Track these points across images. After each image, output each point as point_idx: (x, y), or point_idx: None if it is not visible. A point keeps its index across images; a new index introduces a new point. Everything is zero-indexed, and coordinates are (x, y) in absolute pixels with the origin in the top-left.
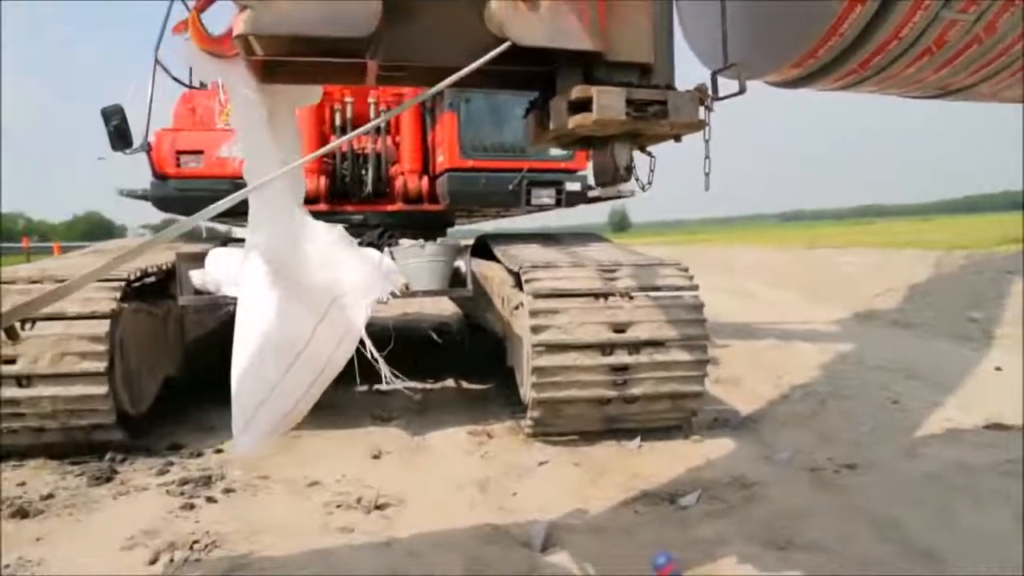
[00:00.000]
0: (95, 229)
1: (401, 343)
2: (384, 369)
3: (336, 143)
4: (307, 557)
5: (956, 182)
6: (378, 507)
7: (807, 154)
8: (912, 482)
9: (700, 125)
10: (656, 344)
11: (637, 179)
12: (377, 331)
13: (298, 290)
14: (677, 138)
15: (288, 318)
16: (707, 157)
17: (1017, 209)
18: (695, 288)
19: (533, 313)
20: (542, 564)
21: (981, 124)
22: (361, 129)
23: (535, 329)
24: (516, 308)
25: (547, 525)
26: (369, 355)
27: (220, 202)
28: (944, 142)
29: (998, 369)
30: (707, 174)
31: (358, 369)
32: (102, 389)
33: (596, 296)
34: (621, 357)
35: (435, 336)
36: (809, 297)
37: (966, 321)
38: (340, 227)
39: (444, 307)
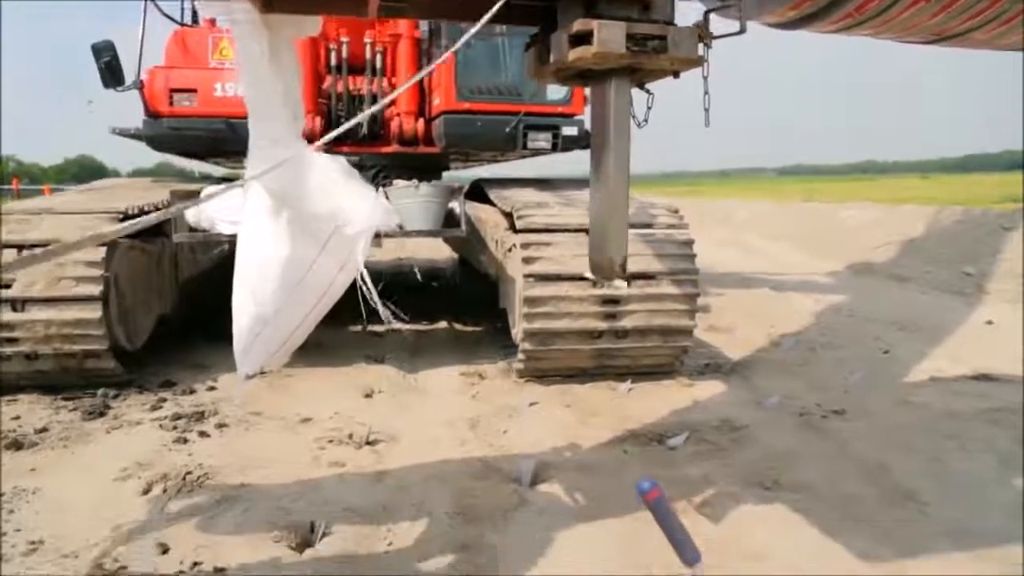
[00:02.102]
0: (87, 172)
1: (395, 287)
2: (380, 308)
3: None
4: (298, 489)
5: (957, 141)
6: (369, 443)
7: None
8: (899, 428)
9: (699, 61)
10: (647, 277)
11: (634, 116)
12: (372, 274)
13: (300, 219)
14: (676, 74)
15: (290, 246)
16: (706, 93)
17: (1017, 169)
18: (685, 227)
19: (525, 245)
20: (531, 498)
21: (982, 83)
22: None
23: (527, 260)
24: (509, 250)
25: (536, 462)
26: (366, 292)
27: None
28: (945, 100)
29: (989, 323)
30: (707, 110)
31: (353, 309)
32: (96, 314)
33: (587, 231)
34: (612, 289)
35: (417, 274)
36: (805, 250)
37: (961, 276)
38: (341, 159)
39: (438, 253)
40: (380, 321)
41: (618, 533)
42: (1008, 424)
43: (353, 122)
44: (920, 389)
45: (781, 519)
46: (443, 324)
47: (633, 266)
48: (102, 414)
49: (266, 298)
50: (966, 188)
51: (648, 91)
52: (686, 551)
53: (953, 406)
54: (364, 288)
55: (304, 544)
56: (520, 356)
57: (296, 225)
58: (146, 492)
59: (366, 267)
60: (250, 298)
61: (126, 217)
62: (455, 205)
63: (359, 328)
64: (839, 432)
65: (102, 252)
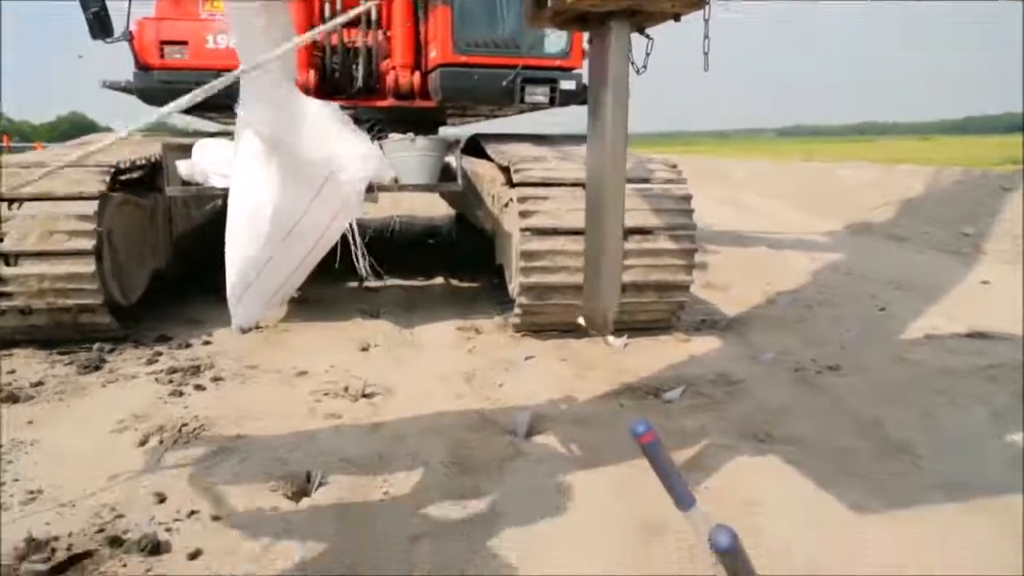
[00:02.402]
0: (77, 130)
1: (392, 243)
2: (361, 262)
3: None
4: (294, 440)
5: (957, 102)
6: (365, 395)
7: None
8: (894, 384)
9: (701, 3)
10: (644, 232)
11: (633, 63)
12: (366, 231)
13: (293, 165)
14: (676, 17)
15: (283, 192)
16: (706, 37)
17: (1017, 131)
18: (683, 182)
19: (522, 199)
20: (526, 449)
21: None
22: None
23: (524, 214)
24: (506, 205)
25: (532, 414)
26: (352, 244)
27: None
28: (945, 62)
29: (985, 283)
30: (706, 54)
31: (349, 265)
32: (89, 268)
33: (584, 185)
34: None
35: (397, 226)
36: (804, 209)
37: (959, 236)
38: (335, 104)
39: (436, 210)
40: (377, 277)
41: (613, 482)
42: (1002, 380)
43: None
44: (915, 346)
45: (775, 470)
46: (439, 280)
47: (630, 221)
48: (98, 368)
49: (259, 246)
50: (965, 150)
51: (648, 36)
52: (681, 495)
53: (948, 363)
54: (351, 240)
55: (301, 493)
56: (516, 311)
57: (288, 172)
58: (142, 443)
59: (362, 223)
60: (242, 247)
61: (117, 171)
62: (451, 159)
63: (355, 284)
64: (833, 387)
65: (94, 206)
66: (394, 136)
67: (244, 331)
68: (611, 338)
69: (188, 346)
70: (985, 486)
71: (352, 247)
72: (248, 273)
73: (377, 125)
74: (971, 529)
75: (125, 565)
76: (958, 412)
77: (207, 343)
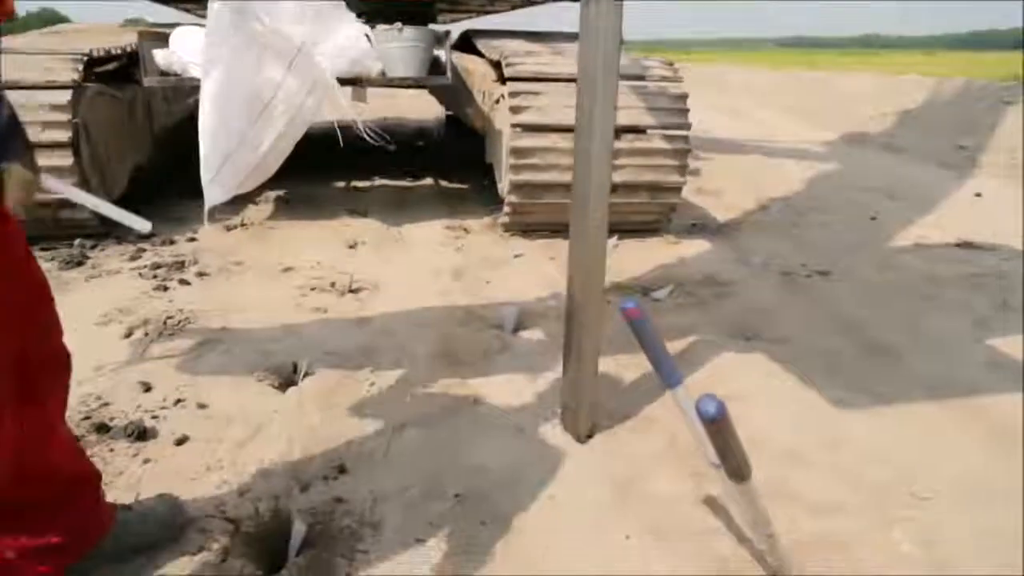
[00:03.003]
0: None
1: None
2: (360, 128)
3: None
4: (280, 333)
5: (962, 17)
6: (352, 291)
7: None
8: (880, 289)
9: None
10: (637, 131)
11: None
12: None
13: (263, 36)
14: None
15: (254, 64)
16: None
17: (1020, 48)
18: (679, 80)
19: (513, 94)
20: (513, 343)
21: None
22: None
23: (514, 110)
24: (497, 102)
25: (519, 309)
26: (345, 109)
27: None
28: None
29: (978, 195)
30: None
31: (337, 163)
32: (67, 161)
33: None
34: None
35: (363, 130)
36: (801, 118)
37: (955, 148)
38: None
39: (426, 113)
40: (365, 178)
41: (600, 375)
42: (987, 288)
43: None
44: (904, 254)
45: (760, 367)
46: (428, 182)
47: (624, 119)
48: (80, 264)
49: (232, 120)
50: (970, 66)
51: None
52: (667, 372)
53: (934, 270)
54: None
55: (286, 384)
56: (506, 209)
57: (259, 42)
58: (128, 336)
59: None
60: (215, 122)
61: (91, 60)
62: (441, 53)
63: (343, 184)
64: (821, 291)
65: (67, 95)
66: (381, 27)
67: (213, 218)
68: None
69: (172, 243)
70: (963, 385)
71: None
72: (223, 149)
73: (363, 17)
74: (947, 424)
75: (112, 450)
76: (942, 317)
77: (192, 240)
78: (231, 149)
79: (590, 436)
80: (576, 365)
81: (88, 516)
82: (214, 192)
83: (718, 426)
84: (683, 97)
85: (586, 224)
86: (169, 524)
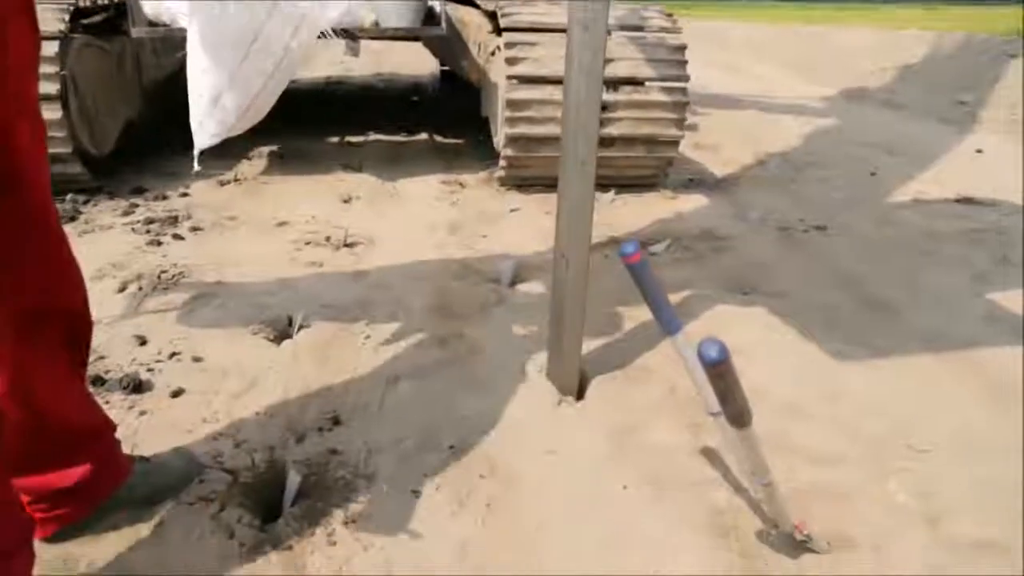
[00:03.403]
0: None
1: (376, 100)
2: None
3: None
4: (275, 286)
5: None
6: (347, 245)
7: None
8: (879, 244)
9: None
10: (635, 83)
11: None
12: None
13: None
14: None
15: (239, 9)
16: None
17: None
18: (679, 31)
19: (509, 45)
20: (509, 296)
21: None
22: None
23: (510, 61)
24: (492, 53)
25: (515, 262)
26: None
27: None
28: None
29: (979, 151)
30: None
31: (327, 123)
32: (55, 115)
33: None
34: None
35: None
36: (799, 73)
37: (956, 104)
38: None
39: (421, 68)
40: (360, 133)
41: (596, 327)
42: (986, 243)
43: None
44: (903, 209)
45: (757, 321)
46: (423, 136)
47: (621, 70)
48: (72, 219)
49: (219, 63)
50: (968, 21)
51: None
52: (667, 320)
53: (933, 226)
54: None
55: (282, 337)
56: (501, 163)
57: None
58: (121, 290)
59: (349, 80)
60: (203, 64)
61: (77, 11)
62: (435, 3)
63: (337, 139)
64: (819, 245)
65: (55, 47)
66: None
67: (203, 162)
68: (597, 193)
69: (165, 198)
70: (960, 338)
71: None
72: (209, 97)
73: None
74: (945, 377)
75: (108, 402)
76: (940, 271)
77: (184, 195)
78: (220, 91)
79: (583, 388)
80: (563, 318)
81: (103, 466)
82: (203, 135)
83: (720, 369)
84: (682, 48)
85: (572, 171)
86: (185, 477)
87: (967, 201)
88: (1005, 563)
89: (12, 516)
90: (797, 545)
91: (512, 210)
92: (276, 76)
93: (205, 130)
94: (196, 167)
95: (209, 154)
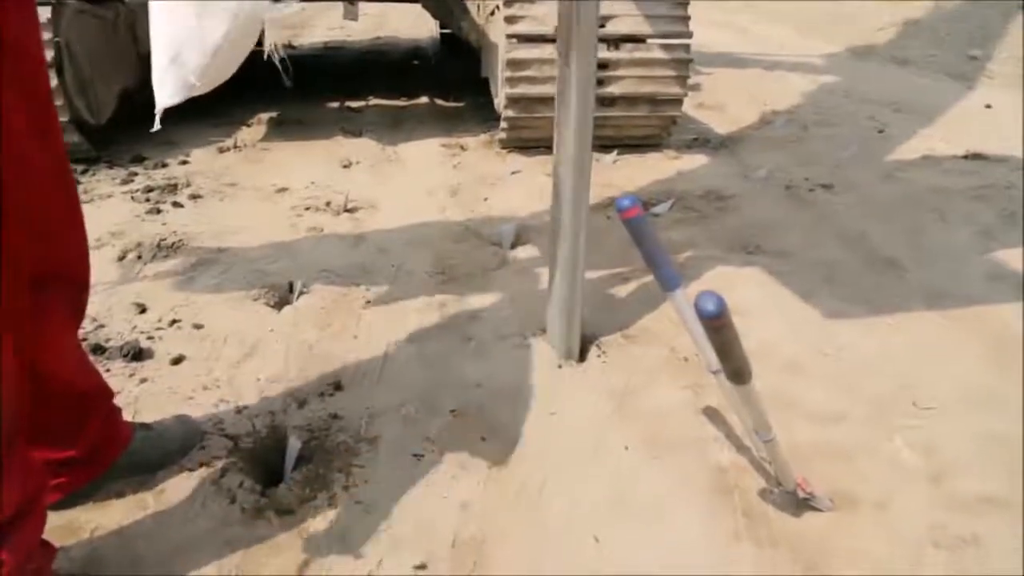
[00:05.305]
0: None
1: (375, 64)
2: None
3: None
4: (275, 252)
5: None
6: (348, 210)
7: None
8: (885, 202)
9: None
10: (636, 40)
11: None
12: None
13: None
14: None
15: None
16: None
17: None
18: None
19: (508, 3)
20: (511, 259)
21: None
22: None
23: (510, 20)
24: (492, 13)
25: (517, 226)
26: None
27: None
28: None
29: (988, 106)
30: None
31: (326, 88)
32: (51, 82)
33: None
34: (600, 52)
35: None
36: (804, 32)
37: (966, 59)
38: None
39: (421, 32)
40: (359, 98)
41: (597, 289)
42: (993, 200)
43: None
44: (910, 166)
45: (761, 280)
46: (423, 100)
47: (622, 27)
48: None
49: (178, 20)
50: None
51: None
52: (666, 276)
53: (940, 182)
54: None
55: (282, 302)
56: (503, 125)
57: None
58: (121, 258)
59: (347, 46)
60: (162, 20)
61: None
62: None
63: (336, 104)
64: (825, 204)
65: (47, 12)
66: None
67: (164, 118)
68: (599, 154)
69: (164, 166)
70: (964, 296)
71: None
72: (169, 54)
73: None
74: (949, 334)
75: (108, 370)
76: (945, 229)
77: (184, 163)
78: (178, 49)
79: (584, 350)
80: (562, 280)
81: (103, 433)
82: (163, 94)
83: (718, 323)
84: (684, 4)
85: (568, 129)
86: (186, 443)
87: (976, 157)
88: (1008, 518)
89: (30, 476)
90: (800, 503)
91: (513, 172)
92: (236, 31)
93: (164, 89)
94: (156, 126)
95: (208, 121)
